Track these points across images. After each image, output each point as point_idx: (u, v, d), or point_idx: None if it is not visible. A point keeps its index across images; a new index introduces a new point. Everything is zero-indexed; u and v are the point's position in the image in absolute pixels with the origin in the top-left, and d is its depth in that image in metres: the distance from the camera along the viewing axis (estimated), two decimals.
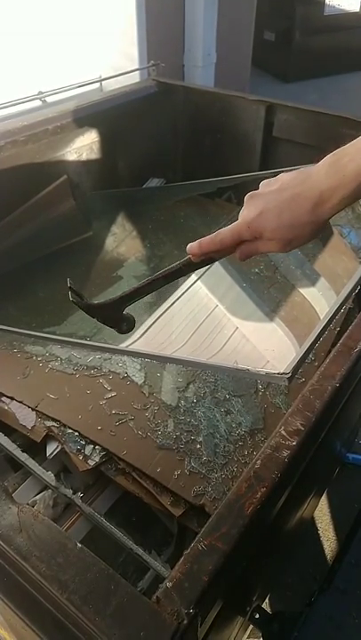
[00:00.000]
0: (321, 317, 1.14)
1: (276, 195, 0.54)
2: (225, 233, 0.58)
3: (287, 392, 1.17)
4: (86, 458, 0.95)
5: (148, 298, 1.46)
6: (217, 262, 0.66)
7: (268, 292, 1.53)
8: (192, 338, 1.37)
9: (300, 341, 1.35)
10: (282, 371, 0.70)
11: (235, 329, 1.42)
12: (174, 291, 1.51)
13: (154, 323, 1.45)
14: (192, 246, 0.61)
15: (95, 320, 0.70)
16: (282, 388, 1.17)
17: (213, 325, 1.42)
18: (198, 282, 1.51)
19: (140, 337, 1.40)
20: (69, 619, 0.54)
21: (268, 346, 1.37)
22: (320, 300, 1.50)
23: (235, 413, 1.08)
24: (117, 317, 0.72)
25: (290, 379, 0.68)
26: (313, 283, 1.55)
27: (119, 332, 0.74)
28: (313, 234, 0.56)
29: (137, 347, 1.36)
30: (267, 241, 0.57)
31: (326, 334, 0.80)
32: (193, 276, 1.52)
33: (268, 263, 1.61)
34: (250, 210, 0.56)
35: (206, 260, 0.63)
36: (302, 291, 1.53)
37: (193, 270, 0.66)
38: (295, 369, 0.69)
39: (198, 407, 1.08)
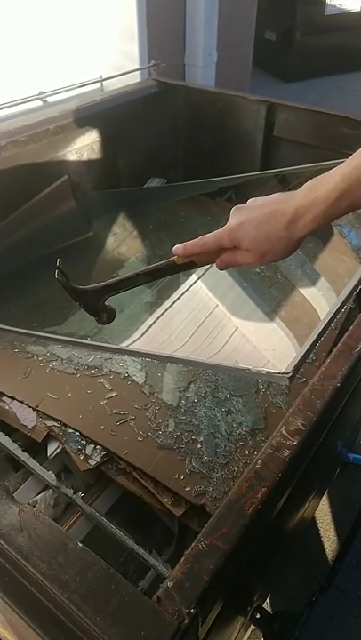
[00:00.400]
0: (321, 317, 1.13)
1: (258, 209, 0.59)
2: (208, 238, 0.62)
3: (288, 392, 1.17)
4: (87, 457, 0.95)
5: (148, 297, 1.46)
6: None
7: (269, 291, 1.53)
8: (192, 337, 1.37)
9: (301, 341, 1.35)
10: (283, 370, 0.70)
11: (235, 329, 1.42)
12: (175, 290, 1.51)
13: (154, 322, 1.45)
14: (177, 248, 0.65)
15: (94, 319, 0.71)
16: (283, 388, 1.17)
17: (214, 325, 1.42)
18: (199, 281, 1.51)
19: (141, 336, 1.40)
20: (70, 618, 0.54)
21: (268, 346, 1.37)
22: (320, 299, 1.50)
23: (235, 413, 1.08)
24: (99, 306, 0.74)
25: (291, 378, 0.68)
26: (313, 283, 1.55)
27: (99, 322, 0.76)
28: (286, 250, 0.60)
29: (137, 346, 1.36)
30: (244, 251, 0.61)
31: (327, 334, 0.80)
32: (193, 276, 1.52)
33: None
34: (233, 220, 0.61)
35: (189, 263, 0.66)
36: (303, 291, 1.53)
37: (176, 272, 0.69)
38: (296, 368, 0.69)
39: (199, 407, 1.08)
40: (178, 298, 1.51)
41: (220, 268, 0.66)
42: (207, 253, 0.64)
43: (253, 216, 0.59)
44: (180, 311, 1.47)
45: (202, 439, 1.01)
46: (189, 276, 1.51)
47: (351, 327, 0.87)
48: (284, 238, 0.58)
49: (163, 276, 0.70)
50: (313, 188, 0.56)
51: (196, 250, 0.63)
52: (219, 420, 1.06)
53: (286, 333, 1.41)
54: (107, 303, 0.74)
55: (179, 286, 1.50)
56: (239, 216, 0.60)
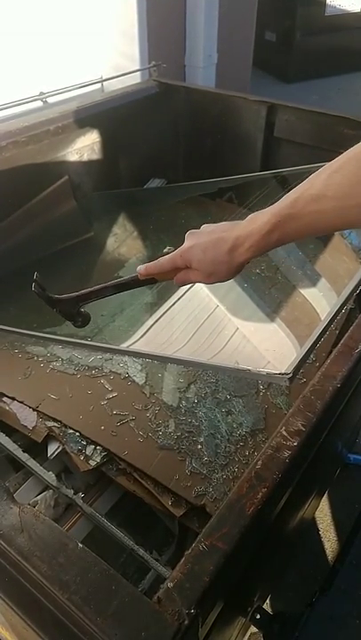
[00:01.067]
0: (322, 318, 1.14)
1: (207, 235, 0.66)
2: (165, 259, 0.71)
3: (288, 392, 1.17)
4: (87, 458, 0.95)
5: (148, 298, 1.46)
6: None
7: (269, 292, 1.54)
8: (193, 338, 1.37)
9: (301, 342, 1.35)
10: (283, 371, 0.70)
11: (235, 329, 1.42)
12: (175, 291, 1.51)
13: (155, 323, 1.45)
14: (140, 268, 0.74)
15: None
16: (283, 389, 1.17)
17: (214, 326, 1.42)
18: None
19: (141, 337, 1.40)
20: (70, 619, 0.54)
21: (268, 346, 1.37)
22: (321, 300, 1.50)
23: (236, 414, 1.08)
24: (74, 313, 0.83)
25: (291, 379, 0.69)
26: (314, 283, 1.55)
27: (74, 326, 0.85)
28: (228, 273, 0.67)
29: (138, 347, 1.36)
30: (194, 270, 0.69)
31: (327, 335, 0.80)
32: None
33: (270, 264, 1.61)
34: (186, 243, 0.69)
35: (150, 279, 0.75)
36: (303, 291, 1.53)
37: (139, 286, 0.77)
38: (296, 369, 0.70)
39: (199, 408, 1.08)
40: (178, 298, 1.51)
41: (178, 285, 0.75)
42: (165, 272, 0.73)
43: (202, 241, 0.66)
44: (180, 312, 1.47)
45: (202, 440, 1.02)
46: None
47: (351, 328, 0.87)
48: (225, 262, 0.65)
49: (128, 289, 0.79)
50: (252, 220, 0.62)
51: (155, 270, 0.73)
52: (219, 421, 1.06)
53: (287, 334, 1.41)
54: (82, 309, 0.83)
55: (179, 287, 1.51)
56: (191, 240, 0.68)
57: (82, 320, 0.85)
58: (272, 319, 1.45)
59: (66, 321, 0.86)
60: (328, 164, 0.57)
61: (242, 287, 1.54)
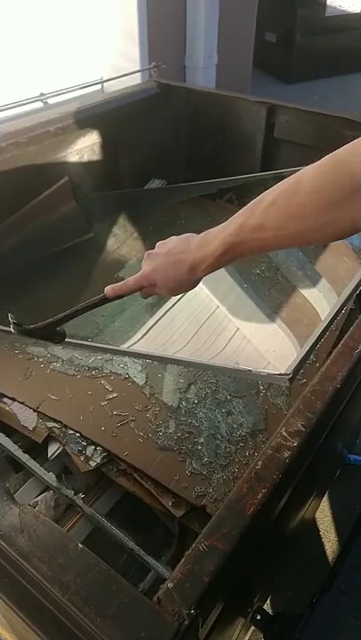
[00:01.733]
0: (322, 318, 1.14)
1: (164, 257, 0.74)
2: (131, 281, 0.79)
3: (288, 393, 1.17)
4: (87, 459, 0.95)
5: (149, 299, 1.46)
6: None
7: (270, 292, 1.54)
8: (193, 339, 1.37)
9: (301, 342, 1.35)
10: (283, 371, 0.70)
11: (236, 330, 1.42)
12: None
13: (155, 324, 1.45)
14: (107, 289, 0.82)
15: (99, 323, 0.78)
16: (283, 389, 1.17)
17: (215, 326, 1.42)
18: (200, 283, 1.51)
19: (142, 338, 1.40)
20: (70, 619, 0.55)
21: (269, 347, 1.37)
22: (321, 300, 1.50)
23: (236, 414, 1.08)
24: (51, 334, 0.93)
25: (291, 379, 0.69)
26: (314, 284, 1.55)
27: (53, 343, 0.96)
28: (190, 286, 0.76)
29: (138, 347, 1.36)
30: (159, 288, 0.78)
31: (327, 335, 0.80)
32: None
33: (270, 264, 1.61)
34: (147, 266, 0.77)
35: (118, 297, 0.83)
36: (303, 292, 1.53)
37: (108, 302, 0.85)
38: (296, 369, 0.70)
39: (199, 408, 1.08)
40: (179, 299, 1.51)
41: (144, 297, 0.84)
42: (131, 292, 0.81)
43: (162, 264, 0.75)
44: (180, 312, 1.47)
45: (202, 440, 1.02)
46: None
47: (351, 328, 0.87)
48: (186, 280, 0.74)
49: (97, 306, 0.87)
50: (204, 243, 0.70)
51: (122, 292, 0.81)
52: (219, 422, 1.06)
53: (287, 334, 1.41)
54: (58, 329, 0.92)
55: None
56: (151, 263, 0.77)
57: (59, 338, 0.94)
58: (272, 320, 1.45)
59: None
60: (267, 193, 0.63)
61: (242, 288, 1.54)
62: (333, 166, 0.56)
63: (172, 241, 0.75)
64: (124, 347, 1.34)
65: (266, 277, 1.58)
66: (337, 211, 0.56)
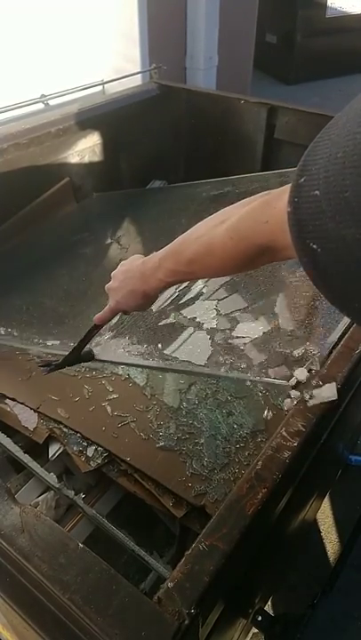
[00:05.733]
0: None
1: (119, 290, 0.85)
2: (107, 312, 0.91)
3: (289, 394, 1.17)
4: (88, 459, 0.95)
5: None
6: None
7: (271, 295, 1.53)
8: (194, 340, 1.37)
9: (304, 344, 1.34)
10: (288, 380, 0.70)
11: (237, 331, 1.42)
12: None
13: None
14: (96, 318, 0.93)
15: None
16: (284, 390, 1.17)
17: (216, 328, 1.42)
18: (205, 290, 1.51)
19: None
20: (71, 619, 0.55)
21: (270, 349, 1.37)
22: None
23: (236, 415, 1.08)
24: (79, 358, 1.04)
25: (294, 387, 0.68)
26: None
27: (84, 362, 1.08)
28: (150, 305, 0.87)
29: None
30: (129, 311, 0.89)
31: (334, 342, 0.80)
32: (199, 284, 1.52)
33: (273, 265, 1.61)
34: (111, 301, 0.88)
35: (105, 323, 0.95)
36: (307, 294, 1.53)
37: (100, 328, 0.97)
38: (299, 382, 0.69)
39: (200, 409, 1.08)
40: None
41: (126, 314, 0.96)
42: (111, 318, 0.93)
43: (122, 296, 0.85)
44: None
45: (203, 441, 1.02)
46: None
47: (351, 329, 0.87)
48: (144, 303, 0.85)
49: (93, 336, 1.00)
50: (145, 277, 0.79)
51: (107, 319, 0.92)
52: (220, 422, 1.06)
53: (289, 336, 1.41)
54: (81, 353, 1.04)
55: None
56: (114, 296, 0.87)
57: (87, 357, 1.06)
58: (275, 321, 1.45)
59: (66, 321, 0.92)
60: (185, 243, 0.71)
61: (244, 288, 1.54)
62: (240, 240, 0.62)
63: (120, 272, 0.85)
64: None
65: (267, 277, 1.57)
66: (252, 265, 0.65)
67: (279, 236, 0.55)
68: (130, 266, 0.83)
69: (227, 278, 1.44)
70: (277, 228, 0.56)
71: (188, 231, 0.72)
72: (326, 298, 0.35)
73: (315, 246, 0.32)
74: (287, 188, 0.53)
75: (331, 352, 0.84)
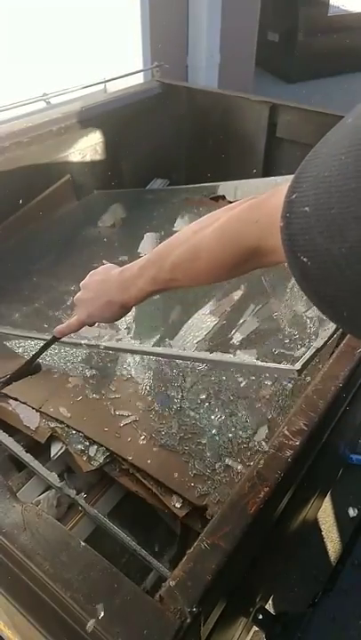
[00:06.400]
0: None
1: (92, 302, 0.82)
2: (74, 323, 0.88)
3: (292, 394, 1.17)
4: (90, 459, 0.95)
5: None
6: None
7: (273, 299, 1.53)
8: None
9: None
10: (291, 366, 0.70)
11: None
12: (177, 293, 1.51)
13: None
14: (56, 330, 0.92)
15: None
16: (287, 391, 1.17)
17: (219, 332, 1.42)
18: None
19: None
20: (73, 617, 0.55)
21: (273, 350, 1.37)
22: None
23: (239, 415, 1.08)
24: (27, 372, 1.08)
25: (299, 371, 0.68)
26: None
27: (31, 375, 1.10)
28: (124, 314, 0.84)
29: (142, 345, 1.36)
30: (101, 322, 0.88)
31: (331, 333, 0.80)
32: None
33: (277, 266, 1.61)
34: (82, 313, 0.85)
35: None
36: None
37: (58, 340, 0.98)
38: (305, 364, 0.69)
39: (203, 409, 1.08)
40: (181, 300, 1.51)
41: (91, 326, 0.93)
42: (76, 331, 0.91)
43: (95, 309, 0.82)
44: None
45: (205, 441, 1.02)
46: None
47: None
48: (120, 314, 0.82)
49: (50, 346, 1.01)
50: (123, 287, 0.77)
51: (69, 331, 0.90)
52: (222, 422, 1.06)
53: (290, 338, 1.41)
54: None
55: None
56: (84, 309, 0.85)
57: (34, 370, 1.10)
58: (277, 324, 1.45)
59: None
60: (169, 248, 0.69)
61: (246, 293, 1.54)
62: (227, 242, 0.61)
63: (94, 283, 0.82)
64: (125, 344, 1.34)
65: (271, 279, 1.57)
66: (237, 270, 0.64)
67: (268, 238, 0.55)
68: (105, 276, 0.81)
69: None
70: (266, 228, 0.55)
71: (172, 237, 0.70)
72: (318, 308, 0.37)
73: (305, 259, 0.34)
74: (276, 190, 0.54)
75: (333, 351, 0.83)
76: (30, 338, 1.25)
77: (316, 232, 0.33)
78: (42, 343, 1.06)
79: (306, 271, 0.35)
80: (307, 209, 0.34)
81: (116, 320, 0.85)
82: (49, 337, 1.11)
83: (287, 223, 0.36)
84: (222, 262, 0.63)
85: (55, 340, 0.96)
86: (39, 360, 1.09)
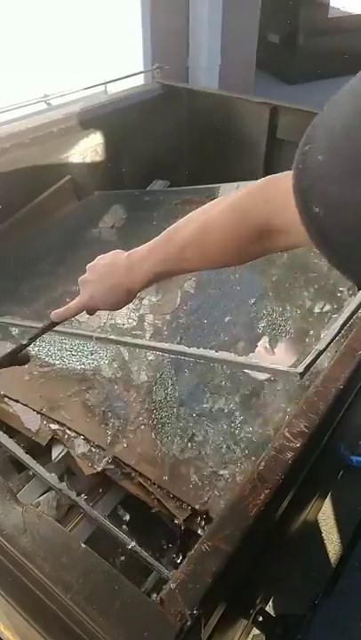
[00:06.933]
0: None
1: (98, 285, 0.79)
2: (73, 307, 0.84)
3: (296, 399, 1.16)
4: (92, 462, 0.95)
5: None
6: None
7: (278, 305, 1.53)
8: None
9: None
10: (294, 369, 0.69)
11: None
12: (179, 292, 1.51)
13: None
14: (53, 314, 0.87)
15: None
16: (290, 395, 1.16)
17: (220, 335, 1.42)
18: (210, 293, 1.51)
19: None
20: (73, 619, 0.55)
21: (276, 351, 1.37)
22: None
23: (241, 420, 1.08)
24: (15, 360, 0.99)
25: (302, 374, 0.68)
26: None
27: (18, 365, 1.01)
28: (127, 302, 0.81)
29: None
30: (101, 308, 0.84)
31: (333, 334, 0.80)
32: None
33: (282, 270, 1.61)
34: (84, 295, 0.82)
35: (64, 321, 0.89)
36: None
37: (55, 326, 0.91)
38: (307, 367, 0.69)
39: (205, 413, 1.08)
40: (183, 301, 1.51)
41: (90, 315, 0.90)
42: (75, 315, 0.86)
43: (98, 292, 0.80)
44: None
45: (207, 445, 1.01)
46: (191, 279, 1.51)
47: (354, 330, 0.87)
48: (123, 300, 0.80)
49: (46, 332, 0.93)
50: (130, 269, 0.75)
51: (67, 315, 0.86)
52: (224, 427, 1.06)
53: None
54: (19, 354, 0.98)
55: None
56: (87, 292, 0.81)
57: (22, 360, 1.01)
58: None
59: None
60: (178, 229, 0.68)
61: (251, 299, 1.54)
62: (239, 221, 0.60)
63: (100, 266, 0.80)
64: (128, 339, 1.33)
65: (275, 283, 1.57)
66: (247, 250, 0.62)
67: (279, 217, 0.55)
68: (112, 259, 0.79)
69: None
70: (278, 207, 0.55)
71: (182, 219, 0.69)
72: (331, 263, 0.36)
73: (319, 210, 0.34)
74: (289, 172, 0.53)
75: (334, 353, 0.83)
76: (31, 327, 1.24)
77: (331, 180, 0.32)
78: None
79: (320, 224, 0.34)
80: (320, 157, 0.33)
81: (118, 308, 0.82)
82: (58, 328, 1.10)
83: (300, 175, 0.35)
84: (232, 239, 0.62)
85: (53, 325, 0.91)
86: (30, 350, 1.03)
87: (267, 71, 5.03)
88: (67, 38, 2.66)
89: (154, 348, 1.15)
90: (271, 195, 0.57)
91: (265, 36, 4.73)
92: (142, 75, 2.08)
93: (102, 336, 0.99)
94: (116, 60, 2.94)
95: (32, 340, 0.96)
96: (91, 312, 0.87)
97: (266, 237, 0.58)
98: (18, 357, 0.99)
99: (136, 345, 1.20)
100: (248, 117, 1.82)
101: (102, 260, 0.81)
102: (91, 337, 1.14)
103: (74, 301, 0.84)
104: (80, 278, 0.83)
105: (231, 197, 0.62)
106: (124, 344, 1.18)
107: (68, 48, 2.68)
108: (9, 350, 0.98)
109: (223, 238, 0.63)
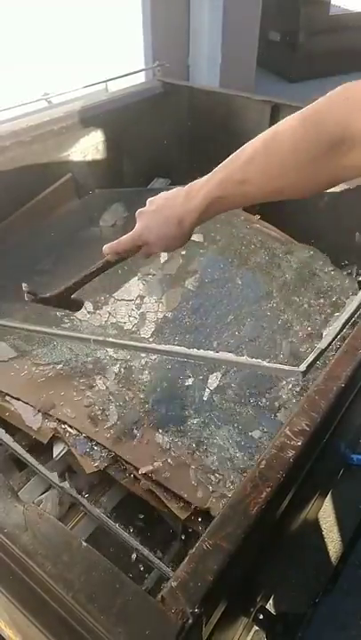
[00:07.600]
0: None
1: (153, 215, 0.78)
2: (125, 239, 0.82)
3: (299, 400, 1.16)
4: (93, 460, 0.95)
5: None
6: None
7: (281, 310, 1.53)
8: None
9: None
10: (296, 367, 0.69)
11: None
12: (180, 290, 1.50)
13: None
14: (105, 247, 0.85)
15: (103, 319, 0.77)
16: (294, 400, 1.16)
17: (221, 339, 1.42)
18: (213, 291, 1.51)
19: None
20: (74, 617, 0.55)
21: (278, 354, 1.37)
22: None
23: (245, 420, 1.08)
24: (68, 303, 0.94)
25: (304, 373, 0.68)
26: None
27: (70, 311, 1.01)
28: (182, 241, 0.79)
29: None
30: (153, 245, 0.81)
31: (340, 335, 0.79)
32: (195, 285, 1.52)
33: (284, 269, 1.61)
34: (139, 224, 0.80)
35: (119, 259, 0.87)
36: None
37: (111, 267, 0.88)
38: (310, 365, 0.69)
39: (208, 413, 1.08)
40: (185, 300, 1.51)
41: (144, 257, 0.88)
42: (127, 250, 0.84)
43: (153, 223, 0.78)
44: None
45: (210, 445, 1.02)
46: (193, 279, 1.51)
47: (356, 328, 0.87)
48: (177, 236, 0.77)
49: (103, 271, 0.89)
50: (188, 197, 0.73)
51: (119, 248, 0.83)
52: (227, 426, 1.06)
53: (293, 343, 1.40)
54: (73, 297, 0.93)
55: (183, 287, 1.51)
56: (142, 222, 0.79)
57: (76, 306, 0.97)
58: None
59: (69, 319, 0.89)
60: (246, 146, 0.64)
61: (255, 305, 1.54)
62: (312, 124, 0.56)
63: (161, 198, 0.78)
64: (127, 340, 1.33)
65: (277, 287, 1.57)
66: (316, 166, 0.57)
67: (356, 120, 0.50)
68: (174, 192, 0.77)
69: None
70: (357, 107, 0.51)
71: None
72: None
73: None
74: None
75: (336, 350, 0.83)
76: (34, 331, 1.24)
77: None
78: (50, 339, 1.01)
79: None
80: None
81: (170, 246, 0.79)
82: (52, 330, 1.10)
83: None
84: (302, 150, 0.57)
85: (108, 263, 0.86)
86: (81, 298, 0.96)
87: (267, 69, 5.02)
88: (68, 36, 2.66)
89: (152, 350, 1.15)
90: (351, 94, 0.53)
91: (266, 33, 4.72)
92: (143, 72, 2.08)
93: (100, 339, 1.00)
94: (117, 58, 2.94)
95: (85, 280, 0.90)
96: (143, 254, 0.83)
97: (340, 151, 0.54)
98: (71, 300, 0.93)
99: (135, 347, 1.20)
100: (249, 115, 1.81)
101: (164, 193, 0.79)
102: (88, 340, 1.14)
103: (128, 234, 0.81)
104: (138, 210, 0.80)
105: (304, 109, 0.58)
106: (121, 346, 1.17)
107: (69, 46, 2.68)
108: (61, 289, 0.90)
109: (291, 148, 0.58)
